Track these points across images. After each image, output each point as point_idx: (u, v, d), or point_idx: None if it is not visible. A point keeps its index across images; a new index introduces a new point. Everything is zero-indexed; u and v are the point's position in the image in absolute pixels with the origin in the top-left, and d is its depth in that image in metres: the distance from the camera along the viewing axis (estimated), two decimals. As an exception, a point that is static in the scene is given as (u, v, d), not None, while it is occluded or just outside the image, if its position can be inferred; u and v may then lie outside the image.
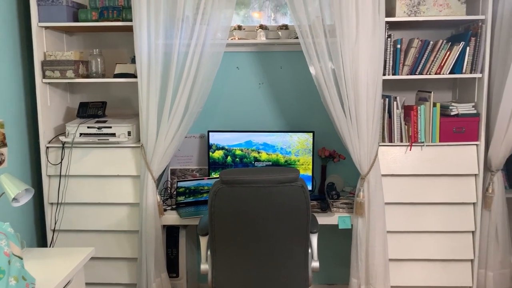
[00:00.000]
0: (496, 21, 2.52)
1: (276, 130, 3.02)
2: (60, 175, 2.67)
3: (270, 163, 2.88)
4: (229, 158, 2.89)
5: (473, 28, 2.59)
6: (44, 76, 2.65)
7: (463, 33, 2.71)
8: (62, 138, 2.65)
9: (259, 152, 2.88)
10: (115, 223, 2.71)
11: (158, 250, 2.63)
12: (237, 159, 2.89)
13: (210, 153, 2.90)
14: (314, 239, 2.31)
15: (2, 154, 2.42)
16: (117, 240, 2.73)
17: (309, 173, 2.87)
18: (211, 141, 2.89)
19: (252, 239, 2.11)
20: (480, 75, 2.57)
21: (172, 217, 2.66)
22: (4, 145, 2.44)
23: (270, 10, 3.15)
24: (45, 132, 2.67)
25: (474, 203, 2.64)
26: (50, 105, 2.74)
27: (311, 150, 2.85)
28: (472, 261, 2.68)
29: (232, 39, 2.86)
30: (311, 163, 2.86)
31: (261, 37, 2.85)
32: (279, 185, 2.02)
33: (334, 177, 2.99)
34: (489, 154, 2.60)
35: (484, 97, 2.57)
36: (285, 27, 2.91)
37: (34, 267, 1.95)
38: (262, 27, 2.92)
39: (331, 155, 2.94)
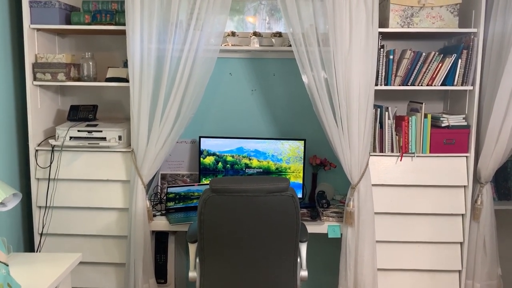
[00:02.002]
0: (488, 34, 2.54)
1: (267, 137, 3.01)
2: (49, 179, 2.65)
3: (261, 170, 2.88)
4: (220, 164, 2.89)
5: (465, 40, 2.62)
6: (35, 78, 2.63)
7: (455, 45, 2.73)
8: (51, 141, 2.62)
9: (250, 159, 2.88)
10: (103, 228, 2.68)
11: (147, 256, 2.62)
12: (228, 165, 2.89)
13: (201, 159, 2.89)
14: (303, 248, 2.31)
15: (-10, 156, 2.40)
16: (105, 245, 2.71)
17: (300, 180, 2.87)
18: (202, 147, 2.88)
19: (241, 247, 2.10)
20: (471, 88, 2.59)
21: (161, 223, 2.65)
22: (-7, 147, 2.41)
23: (265, 13, 3.15)
24: (34, 135, 2.64)
25: (463, 215, 2.66)
26: (41, 108, 2.71)
27: (302, 158, 2.85)
28: (459, 272, 2.69)
29: (225, 45, 2.86)
30: (302, 171, 2.86)
31: (255, 44, 2.85)
32: (269, 194, 2.02)
33: (325, 185, 2.99)
34: (479, 166, 2.62)
35: (475, 109, 2.59)
36: (278, 34, 2.92)
37: (21, 272, 1.92)
38: (255, 34, 2.92)
39: (322, 163, 2.94)
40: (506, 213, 2.91)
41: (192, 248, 2.31)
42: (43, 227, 2.67)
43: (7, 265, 1.61)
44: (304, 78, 2.53)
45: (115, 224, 2.68)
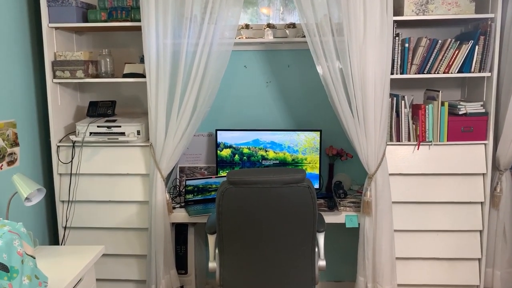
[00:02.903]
0: (506, 19, 2.49)
1: (283, 128, 3.03)
2: (71, 174, 2.71)
3: (278, 162, 2.90)
4: (236, 156, 2.92)
5: (482, 26, 2.57)
6: (54, 76, 2.69)
7: (472, 31, 2.69)
8: (72, 137, 2.69)
9: (266, 151, 2.90)
10: (124, 221, 2.75)
11: (167, 247, 2.67)
12: (245, 157, 2.91)
13: (218, 151, 2.92)
14: (321, 238, 2.33)
15: (14, 153, 2.47)
16: (127, 237, 2.77)
17: (317, 171, 2.88)
18: (219, 140, 2.91)
19: (259, 238, 2.13)
20: (489, 74, 2.55)
21: (181, 215, 2.69)
22: (16, 144, 2.48)
23: (279, 3, 3.15)
24: (56, 131, 2.71)
25: (482, 202, 2.64)
26: (61, 105, 2.78)
27: (319, 148, 2.86)
28: (479, 260, 2.68)
29: (239, 38, 2.87)
30: (318, 162, 2.87)
31: (269, 36, 2.86)
32: (286, 186, 2.04)
33: (342, 175, 3.00)
34: (498, 153, 2.59)
35: (493, 96, 2.55)
36: (292, 25, 2.91)
37: (47, 265, 2.00)
38: (269, 25, 2.92)
39: (338, 154, 2.95)
40: (527, 200, 2.87)
41: (211, 239, 2.35)
42: (66, 221, 2.75)
43: (34, 258, 1.67)
44: (319, 69, 2.52)
45: (136, 217, 2.74)
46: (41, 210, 2.75)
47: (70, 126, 2.88)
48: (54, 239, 2.87)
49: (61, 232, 2.77)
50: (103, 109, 2.82)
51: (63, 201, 2.75)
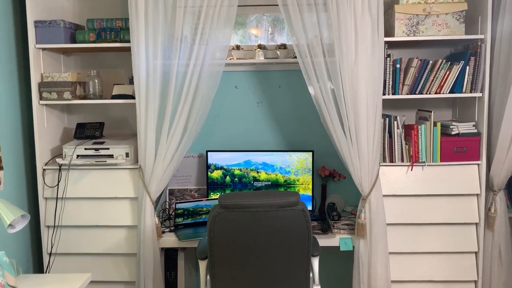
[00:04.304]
0: (496, 40, 2.51)
1: (275, 149, 2.99)
2: (57, 198, 2.63)
3: (270, 183, 2.85)
4: (228, 178, 2.86)
5: (472, 47, 2.59)
6: (41, 98, 2.63)
7: (462, 52, 2.71)
8: (59, 160, 2.62)
9: (258, 172, 2.85)
10: (112, 246, 2.66)
11: (157, 273, 2.59)
12: (236, 179, 2.86)
13: (209, 173, 2.87)
14: (315, 262, 2.28)
15: (-2, 177, 2.39)
16: (115, 263, 2.68)
17: (309, 192, 2.83)
18: (209, 161, 2.86)
19: (252, 264, 2.07)
20: (480, 95, 2.56)
21: (170, 240, 2.62)
22: (0, 168, 2.40)
23: (267, 24, 3.15)
24: (41, 154, 2.64)
25: (476, 223, 2.61)
26: (47, 127, 2.71)
27: (311, 169, 2.82)
28: (475, 282, 2.64)
29: (230, 58, 2.85)
30: (311, 183, 2.83)
31: (260, 57, 2.84)
32: (280, 209, 1.99)
33: (335, 197, 2.95)
34: (491, 173, 2.57)
35: (485, 116, 2.55)
36: (283, 46, 2.91)
37: (30, 295, 1.91)
38: (260, 46, 2.91)
39: (331, 174, 2.91)
40: (521, 220, 2.86)
41: (202, 265, 2.28)
42: (52, 247, 2.65)
43: (17, 289, 1.59)
44: (311, 90, 2.51)
45: (124, 242, 2.65)
46: (25, 236, 2.65)
47: (57, 149, 2.80)
48: (38, 266, 2.76)
49: (46, 259, 2.66)
50: (91, 131, 2.76)
51: (48, 226, 2.66)
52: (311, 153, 2.82)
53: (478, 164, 2.59)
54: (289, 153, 2.83)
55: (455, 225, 2.61)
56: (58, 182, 2.63)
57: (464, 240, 2.61)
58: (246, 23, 3.14)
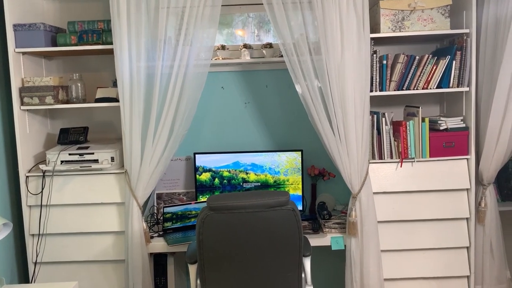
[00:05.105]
0: (481, 34, 2.51)
1: (264, 150, 2.96)
2: (41, 205, 2.57)
3: (259, 184, 2.81)
4: (216, 180, 2.82)
5: (458, 41, 2.59)
6: (22, 103, 2.56)
7: (448, 47, 2.70)
8: (42, 166, 2.55)
9: (247, 173, 2.81)
10: (100, 253, 2.60)
11: (146, 279, 2.53)
12: (225, 181, 2.82)
13: (197, 175, 2.82)
14: (307, 262, 2.25)
15: (-22, 186, 2.32)
16: (103, 270, 2.62)
17: (299, 192, 2.80)
18: (197, 163, 2.82)
19: (243, 266, 2.03)
20: (467, 89, 2.55)
21: (159, 245, 2.57)
22: (-19, 176, 2.34)
23: (253, 26, 3.12)
24: (24, 161, 2.57)
25: (467, 218, 2.60)
26: (29, 133, 2.64)
27: (300, 169, 2.79)
28: (468, 277, 2.63)
29: (216, 59, 2.82)
30: (300, 183, 2.80)
31: (245, 57, 2.81)
32: (269, 209, 1.95)
33: (325, 196, 2.93)
34: (480, 167, 2.57)
35: (473, 110, 2.55)
36: (269, 45, 2.88)
37: (13, 306, 1.85)
38: (246, 46, 2.88)
39: (320, 173, 2.88)
40: (511, 214, 2.86)
41: (192, 269, 2.24)
42: (37, 256, 2.58)
43: (-1, 301, 1.54)
44: (298, 88, 2.48)
45: (111, 248, 2.59)
46: (9, 245, 2.58)
47: (40, 155, 2.74)
48: (24, 275, 2.69)
49: (31, 268, 2.59)
50: (75, 136, 2.70)
51: (33, 235, 2.59)
52: (300, 152, 2.79)
53: (467, 159, 2.58)
54: (278, 153, 2.80)
55: (446, 221, 2.60)
56: (42, 189, 2.56)
57: (456, 235, 2.60)
58: (232, 24, 3.11)
